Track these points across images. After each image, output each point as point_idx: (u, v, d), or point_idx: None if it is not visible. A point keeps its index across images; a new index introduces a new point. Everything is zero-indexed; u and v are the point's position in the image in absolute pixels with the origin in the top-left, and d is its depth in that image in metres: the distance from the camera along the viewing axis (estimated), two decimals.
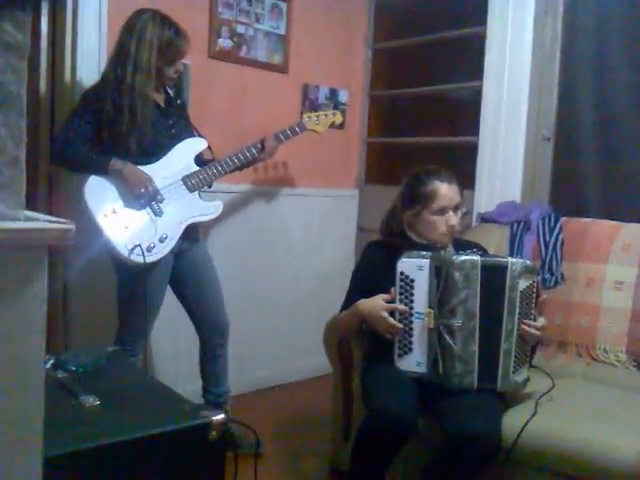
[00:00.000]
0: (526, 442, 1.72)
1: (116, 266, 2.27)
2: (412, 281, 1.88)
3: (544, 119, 2.95)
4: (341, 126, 3.37)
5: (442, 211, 1.99)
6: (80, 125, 2.17)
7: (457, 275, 1.80)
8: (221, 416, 1.31)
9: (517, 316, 1.82)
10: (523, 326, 1.83)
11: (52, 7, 2.57)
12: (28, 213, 0.86)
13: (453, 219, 2.00)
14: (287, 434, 2.74)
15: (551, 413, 1.79)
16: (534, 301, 1.86)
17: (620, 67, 2.73)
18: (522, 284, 1.82)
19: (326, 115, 2.75)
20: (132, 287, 2.25)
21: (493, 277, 1.81)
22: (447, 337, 1.80)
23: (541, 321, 1.89)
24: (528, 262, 1.86)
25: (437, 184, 1.99)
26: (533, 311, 1.86)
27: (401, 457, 1.87)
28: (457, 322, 1.80)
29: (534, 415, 1.76)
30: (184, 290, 2.41)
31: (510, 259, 1.84)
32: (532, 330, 1.83)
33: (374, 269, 2.06)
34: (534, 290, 1.85)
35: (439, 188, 1.99)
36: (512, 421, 1.76)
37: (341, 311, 2.12)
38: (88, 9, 2.52)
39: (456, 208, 2.02)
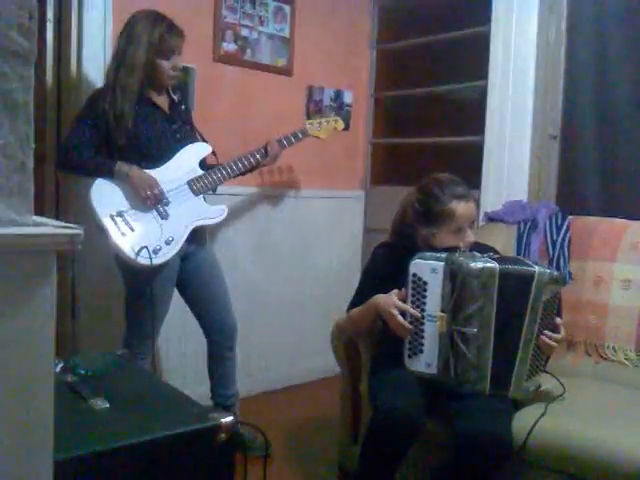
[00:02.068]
0: (536, 442, 1.71)
1: (122, 269, 2.28)
2: (425, 283, 1.81)
3: (550, 117, 2.94)
4: (346, 128, 3.38)
5: (459, 229, 1.93)
6: (84, 130, 2.19)
7: (475, 283, 1.74)
8: (230, 418, 1.31)
9: (537, 326, 1.77)
10: (543, 337, 1.79)
11: (58, 12, 2.59)
12: (37, 218, 0.87)
13: (471, 237, 1.94)
14: (296, 436, 2.74)
15: (561, 413, 1.79)
16: (555, 312, 1.82)
17: (626, 65, 2.72)
18: (546, 294, 1.76)
19: (327, 121, 2.76)
20: (139, 290, 2.26)
21: (516, 286, 1.76)
22: (461, 344, 1.76)
23: (561, 334, 1.84)
24: (555, 272, 1.80)
25: (454, 204, 1.90)
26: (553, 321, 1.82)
27: (409, 459, 1.87)
28: (472, 330, 1.75)
29: (543, 415, 1.75)
30: (191, 293, 2.42)
31: (538, 268, 1.77)
32: (552, 342, 1.80)
33: (384, 271, 2.04)
34: (557, 300, 1.81)
35: (456, 209, 1.90)
36: (522, 421, 1.76)
37: (347, 312, 2.11)
38: (93, 15, 2.53)
39: (472, 223, 1.97)
